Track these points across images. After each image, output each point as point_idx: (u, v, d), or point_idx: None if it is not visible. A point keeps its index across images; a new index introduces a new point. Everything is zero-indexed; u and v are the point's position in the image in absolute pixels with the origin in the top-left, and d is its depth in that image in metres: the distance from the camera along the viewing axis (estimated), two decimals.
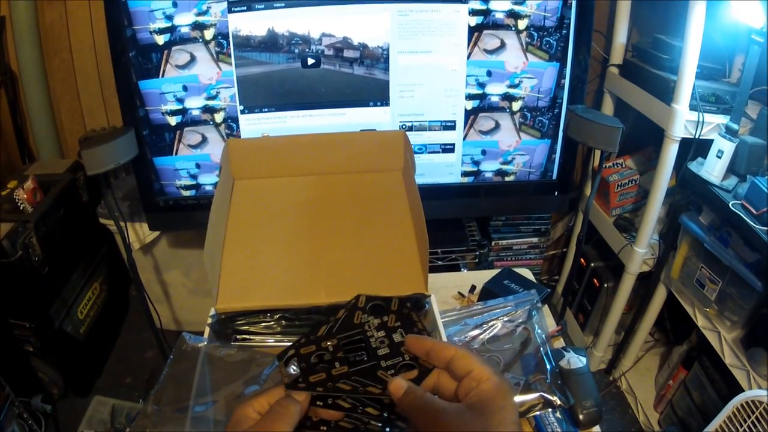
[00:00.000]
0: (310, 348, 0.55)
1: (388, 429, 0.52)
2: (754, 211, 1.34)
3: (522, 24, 1.54)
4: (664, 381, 1.95)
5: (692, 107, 1.54)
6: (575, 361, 1.00)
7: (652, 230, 1.77)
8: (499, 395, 0.46)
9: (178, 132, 1.62)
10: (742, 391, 1.30)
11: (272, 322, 0.91)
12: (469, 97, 1.62)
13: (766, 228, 1.30)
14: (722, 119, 1.53)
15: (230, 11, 1.49)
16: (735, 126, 1.46)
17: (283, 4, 1.49)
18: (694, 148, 1.57)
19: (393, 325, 0.57)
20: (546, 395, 0.93)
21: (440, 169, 1.72)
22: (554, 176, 1.75)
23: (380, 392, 0.50)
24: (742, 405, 1.24)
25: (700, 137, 1.55)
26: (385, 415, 0.51)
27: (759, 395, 1.21)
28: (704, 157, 1.54)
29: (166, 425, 0.79)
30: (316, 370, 0.52)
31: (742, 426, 1.24)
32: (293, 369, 0.52)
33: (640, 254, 1.82)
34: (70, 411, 1.97)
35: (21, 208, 1.77)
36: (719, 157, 1.47)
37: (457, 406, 0.46)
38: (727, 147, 1.45)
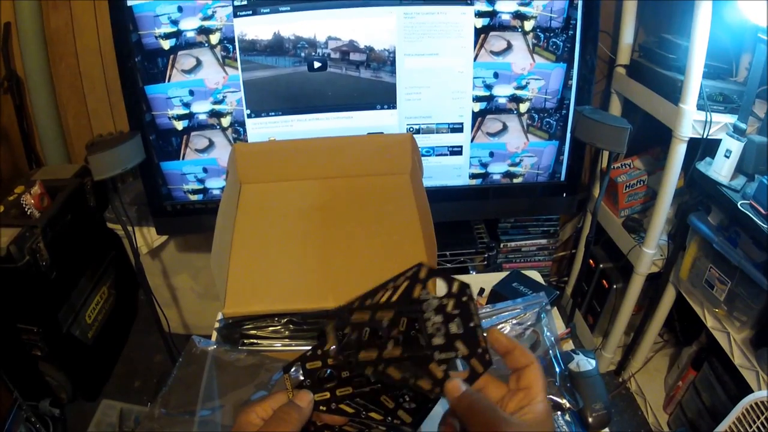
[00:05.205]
0: (364, 315, 0.49)
1: None
2: (762, 211, 1.33)
3: (528, 25, 1.53)
4: (673, 382, 1.94)
5: (700, 107, 1.53)
6: (584, 363, 0.99)
7: (660, 231, 1.76)
8: (549, 420, 0.48)
9: (184, 136, 1.62)
10: (752, 391, 1.29)
11: (280, 327, 0.90)
12: (476, 99, 1.61)
13: None
14: (730, 118, 1.52)
15: (236, 15, 1.49)
16: (743, 125, 1.45)
17: (288, 8, 1.49)
18: (702, 147, 1.56)
19: (451, 311, 0.49)
20: (555, 398, 0.93)
21: (448, 172, 1.72)
22: (562, 178, 1.75)
23: (430, 388, 0.47)
24: (751, 406, 1.23)
25: (708, 137, 1.54)
26: (389, 419, 0.50)
27: None
28: (712, 157, 1.52)
29: (172, 428, 0.79)
30: (368, 345, 0.48)
31: (751, 427, 1.23)
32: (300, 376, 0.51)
33: (649, 255, 1.81)
34: (79, 415, 1.97)
35: (28, 213, 1.77)
36: (727, 157, 1.46)
37: (517, 419, 0.47)
38: (735, 146, 1.44)
